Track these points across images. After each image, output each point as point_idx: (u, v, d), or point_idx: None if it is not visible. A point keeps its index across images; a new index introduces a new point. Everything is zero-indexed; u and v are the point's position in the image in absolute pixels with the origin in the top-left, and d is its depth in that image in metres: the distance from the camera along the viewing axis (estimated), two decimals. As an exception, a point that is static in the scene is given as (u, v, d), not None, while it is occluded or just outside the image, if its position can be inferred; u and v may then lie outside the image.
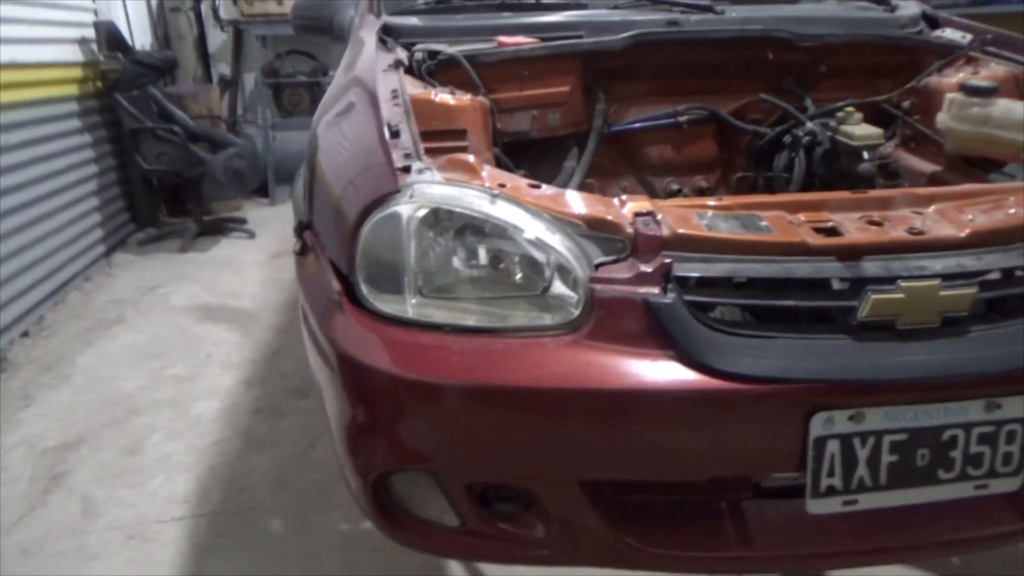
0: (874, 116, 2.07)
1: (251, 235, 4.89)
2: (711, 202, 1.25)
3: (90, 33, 4.48)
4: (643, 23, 1.91)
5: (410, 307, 1.20)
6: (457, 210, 1.19)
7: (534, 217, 1.18)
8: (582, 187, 1.96)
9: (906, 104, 2.02)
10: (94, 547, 2.11)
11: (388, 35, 1.98)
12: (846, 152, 1.81)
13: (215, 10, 6.01)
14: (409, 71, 1.79)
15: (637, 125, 2.02)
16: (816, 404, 1.12)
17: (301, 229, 1.55)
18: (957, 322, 1.15)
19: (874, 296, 1.12)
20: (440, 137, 1.54)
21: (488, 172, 1.27)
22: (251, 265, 4.39)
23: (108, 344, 3.40)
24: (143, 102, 4.61)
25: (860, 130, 1.78)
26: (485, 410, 1.15)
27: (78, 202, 4.20)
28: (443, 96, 1.62)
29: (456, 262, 1.23)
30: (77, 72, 4.35)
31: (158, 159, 4.46)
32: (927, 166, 1.89)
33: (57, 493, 2.35)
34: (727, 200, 1.26)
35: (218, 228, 4.92)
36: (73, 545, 2.12)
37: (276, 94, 5.88)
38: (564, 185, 1.84)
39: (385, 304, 1.21)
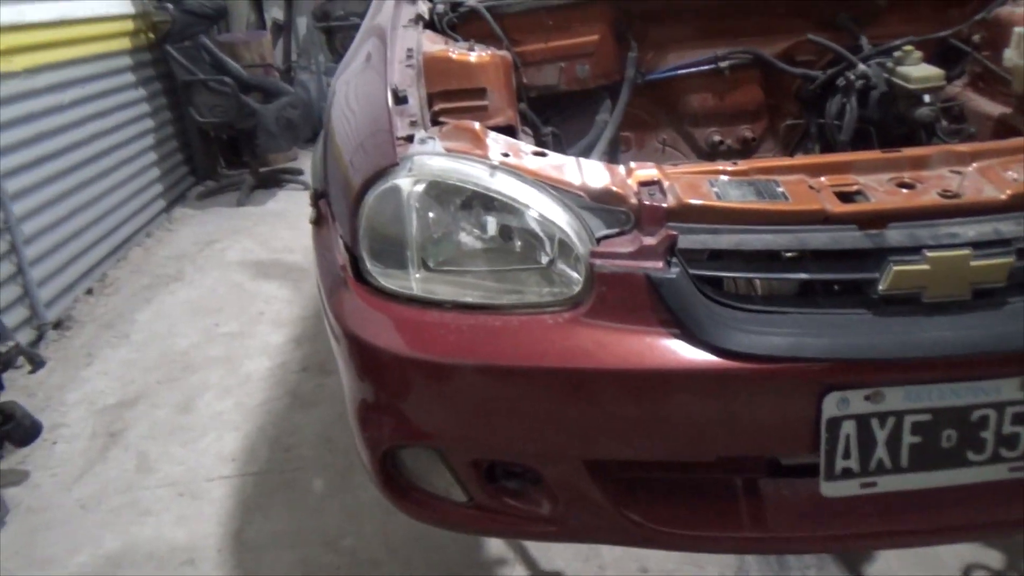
0: (942, 52, 1.90)
1: (306, 186, 4.90)
2: (727, 167, 1.16)
3: (139, -16, 4.50)
4: None
5: (414, 282, 1.17)
6: (456, 183, 1.14)
7: (535, 189, 1.12)
8: (616, 141, 1.87)
9: (976, 38, 1.83)
10: (146, 503, 2.18)
11: None
12: (903, 96, 1.66)
13: (265, -47, 5.97)
14: (431, 24, 1.71)
15: (673, 73, 1.90)
16: (829, 383, 1.05)
17: (317, 198, 1.52)
18: (991, 294, 1.06)
19: (896, 268, 1.03)
20: (458, 97, 1.49)
21: (493, 140, 1.20)
22: (304, 217, 4.39)
23: (166, 300, 3.49)
24: (195, 53, 4.62)
25: (918, 71, 1.63)
26: (484, 389, 1.12)
27: (136, 157, 4.27)
28: (461, 52, 1.54)
29: (461, 235, 1.18)
30: (128, 25, 4.36)
31: (211, 111, 4.49)
32: (995, 108, 1.72)
33: (114, 450, 2.43)
34: (743, 164, 1.17)
35: (274, 180, 4.96)
36: (127, 500, 2.20)
37: (329, 38, 5.82)
38: (596, 140, 1.76)
39: (389, 280, 1.18)
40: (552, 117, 1.84)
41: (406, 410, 1.18)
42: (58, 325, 3.21)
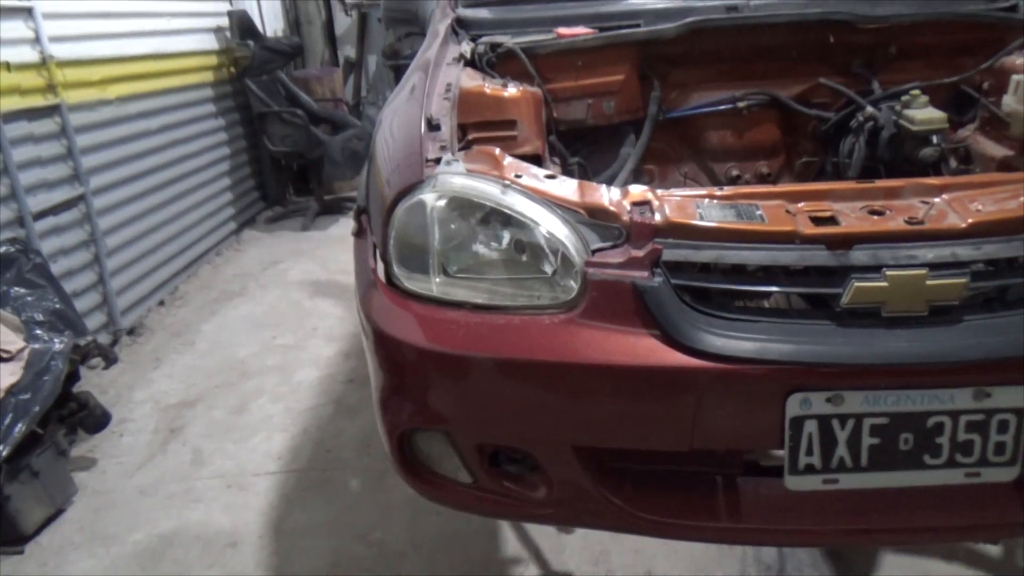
0: (956, 98, 1.99)
1: (367, 213, 5.16)
2: (715, 192, 1.29)
3: (225, 22, 4.85)
4: (702, 9, 1.91)
5: (434, 285, 1.32)
6: (473, 199, 1.29)
7: (540, 206, 1.27)
8: (639, 173, 2.01)
9: (985, 85, 1.92)
10: (198, 492, 2.38)
11: (460, 27, 2.08)
12: (909, 137, 1.76)
13: (342, -7, 6.32)
14: (472, 63, 1.89)
15: (694, 111, 2.03)
16: (793, 385, 1.16)
17: (359, 213, 1.69)
18: (948, 311, 1.15)
19: (857, 284, 1.14)
20: (491, 127, 1.65)
21: (509, 163, 1.35)
22: (363, 241, 4.65)
23: (230, 314, 3.74)
24: (271, 86, 4.95)
25: (922, 114, 1.73)
26: (486, 378, 1.26)
27: (212, 181, 4.59)
28: (495, 88, 1.71)
29: (477, 246, 1.33)
30: (212, 59, 4.72)
31: (283, 141, 4.79)
32: (999, 151, 1.80)
33: (173, 444, 2.65)
34: (729, 190, 1.30)
35: (337, 207, 5.23)
36: (181, 488, 2.40)
37: (397, 75, 6.10)
38: (619, 171, 1.90)
39: (413, 283, 1.34)
40: (580, 149, 1.98)
41: (419, 396, 1.33)
42: (132, 332, 3.48)
